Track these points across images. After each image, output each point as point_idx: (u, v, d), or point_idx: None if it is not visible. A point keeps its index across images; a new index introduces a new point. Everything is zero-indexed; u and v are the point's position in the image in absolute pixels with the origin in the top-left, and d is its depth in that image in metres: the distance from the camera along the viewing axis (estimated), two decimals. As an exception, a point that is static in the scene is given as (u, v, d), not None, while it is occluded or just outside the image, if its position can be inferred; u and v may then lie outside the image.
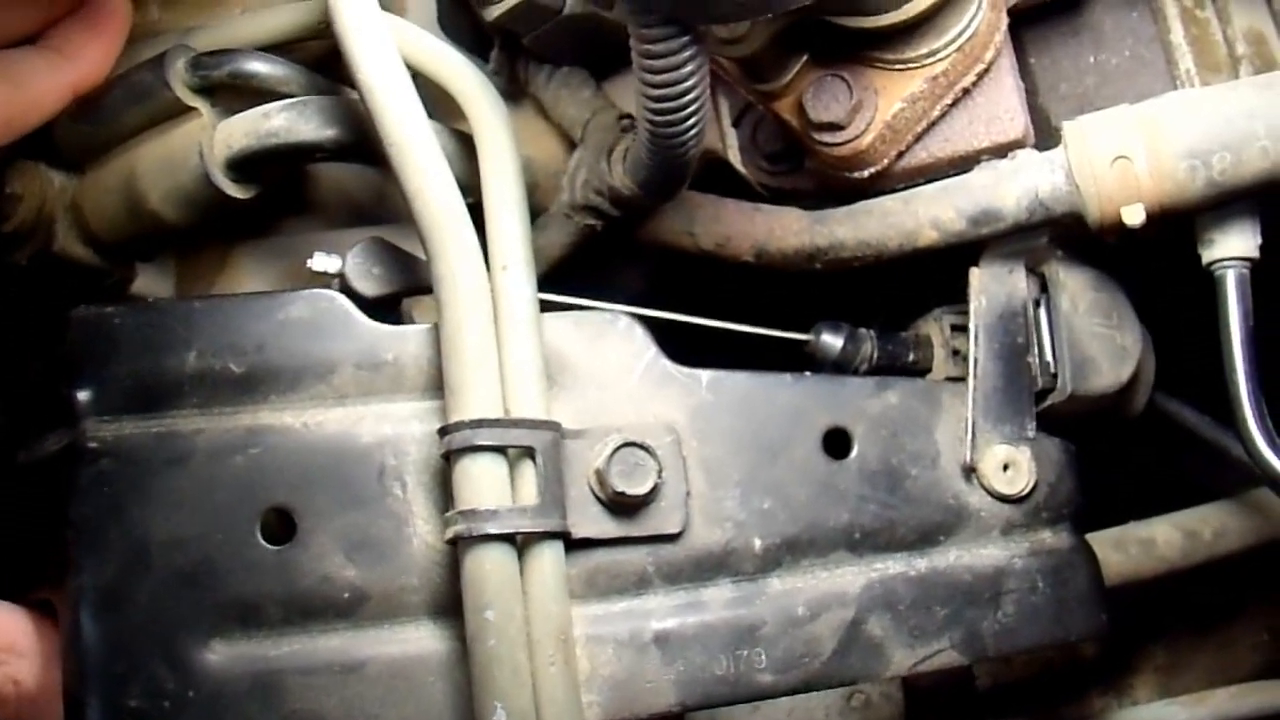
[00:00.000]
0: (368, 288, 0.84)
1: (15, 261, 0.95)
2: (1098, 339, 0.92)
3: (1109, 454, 0.99)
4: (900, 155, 0.89)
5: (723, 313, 0.93)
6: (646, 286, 1.05)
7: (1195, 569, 1.06)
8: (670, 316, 0.89)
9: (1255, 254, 0.87)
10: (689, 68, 0.74)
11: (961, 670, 1.15)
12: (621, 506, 0.80)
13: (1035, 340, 0.91)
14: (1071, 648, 1.20)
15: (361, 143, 0.86)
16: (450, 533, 0.75)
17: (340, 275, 0.84)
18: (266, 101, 0.87)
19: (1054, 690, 1.20)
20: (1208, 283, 0.88)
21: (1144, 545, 1.05)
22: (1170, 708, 1.05)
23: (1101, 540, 1.01)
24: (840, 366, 0.92)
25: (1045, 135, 0.92)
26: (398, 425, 0.81)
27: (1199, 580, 1.08)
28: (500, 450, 0.76)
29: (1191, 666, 1.21)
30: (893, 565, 0.86)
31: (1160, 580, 1.06)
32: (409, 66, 0.82)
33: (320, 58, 0.93)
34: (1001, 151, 0.89)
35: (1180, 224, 0.88)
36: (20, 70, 0.86)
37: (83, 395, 0.80)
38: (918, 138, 0.89)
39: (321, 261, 0.85)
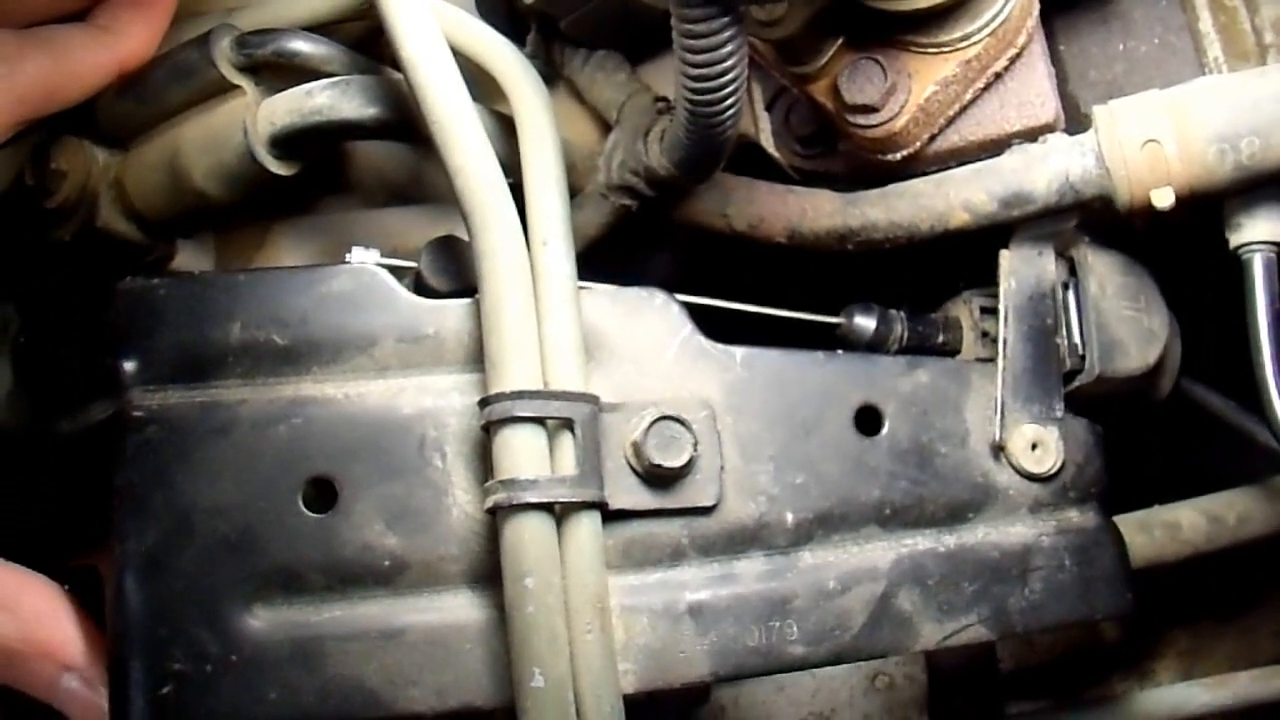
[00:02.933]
0: (442, 283, 0.85)
1: (58, 237, 0.96)
2: (1125, 322, 0.93)
3: (1135, 438, 1.00)
4: (932, 138, 0.90)
5: (751, 299, 0.94)
6: (677, 273, 1.06)
7: (1219, 554, 1.07)
8: (703, 301, 0.90)
9: (1283, 238, 0.88)
10: (728, 48, 0.75)
11: (984, 652, 1.16)
12: (657, 479, 0.81)
13: (1064, 322, 0.92)
14: (1094, 631, 1.22)
15: (403, 121, 0.88)
16: (490, 502, 0.76)
17: (415, 271, 0.85)
18: (309, 80, 0.89)
19: (1076, 673, 1.20)
20: (1235, 268, 0.89)
21: (1168, 529, 1.05)
22: (1192, 689, 1.05)
23: (1126, 523, 1.02)
24: (872, 348, 0.93)
25: (1074, 122, 0.93)
26: (438, 397, 0.82)
27: (1222, 566, 1.09)
28: (539, 421, 0.77)
29: (1213, 652, 1.22)
30: (922, 541, 0.87)
31: (1184, 564, 1.06)
32: (450, 47, 0.83)
33: (361, 38, 0.95)
34: (1032, 135, 0.90)
35: (1208, 208, 0.89)
36: (65, 44, 0.87)
37: (129, 365, 0.81)
38: (950, 121, 0.90)
39: (360, 254, 0.86)
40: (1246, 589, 1.22)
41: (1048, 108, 0.90)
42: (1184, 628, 1.24)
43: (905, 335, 0.94)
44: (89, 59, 0.88)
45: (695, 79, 0.77)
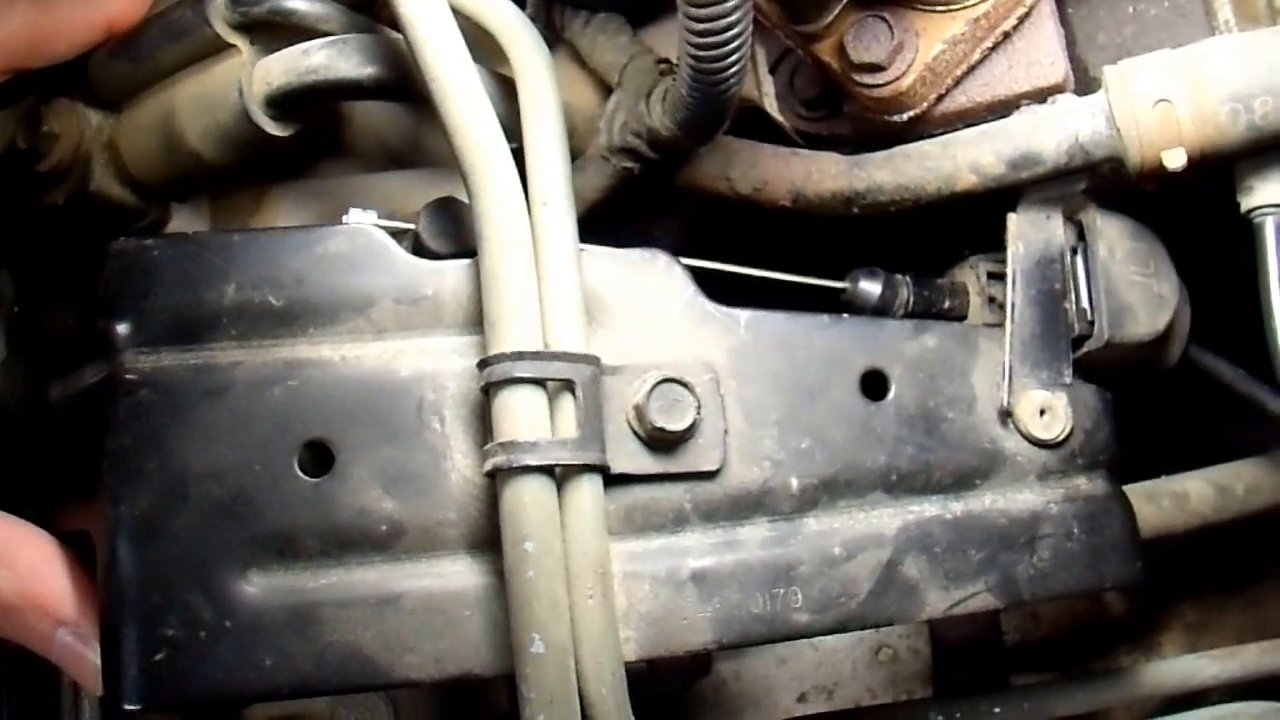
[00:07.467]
0: (440, 245, 0.83)
1: (52, 201, 0.95)
2: (1135, 287, 0.91)
3: (1143, 407, 0.99)
4: (939, 99, 0.89)
5: (755, 264, 0.93)
6: (681, 237, 1.05)
7: (1227, 525, 1.06)
8: (707, 265, 0.89)
9: (1296, 201, 0.87)
10: (733, 2, 0.73)
11: (989, 624, 1.15)
12: (660, 442, 0.80)
13: (1072, 287, 0.91)
14: (1100, 602, 1.21)
15: (400, 81, 0.86)
16: (489, 464, 0.75)
17: (413, 233, 0.84)
18: (306, 39, 0.87)
19: (1082, 645, 1.20)
20: (1246, 233, 0.88)
21: (1176, 499, 1.04)
22: (1200, 661, 1.04)
23: (1134, 492, 1.00)
24: (878, 313, 0.92)
25: (1083, 85, 0.92)
26: (436, 360, 0.81)
27: (1230, 537, 1.07)
28: (540, 383, 0.76)
29: (1220, 625, 1.21)
30: (929, 508, 0.86)
31: (1191, 535, 1.05)
32: (450, 5, 0.81)
33: (358, -3, 0.93)
34: (1041, 96, 0.88)
35: (1219, 170, 0.87)
36: None
37: (121, 327, 0.79)
38: (957, 81, 0.89)
39: (357, 215, 0.84)
40: (1254, 561, 1.21)
41: (1057, 68, 0.88)
42: (1191, 600, 1.23)
43: (911, 300, 0.92)
44: (77, 15, 0.87)
45: (699, 34, 0.76)
